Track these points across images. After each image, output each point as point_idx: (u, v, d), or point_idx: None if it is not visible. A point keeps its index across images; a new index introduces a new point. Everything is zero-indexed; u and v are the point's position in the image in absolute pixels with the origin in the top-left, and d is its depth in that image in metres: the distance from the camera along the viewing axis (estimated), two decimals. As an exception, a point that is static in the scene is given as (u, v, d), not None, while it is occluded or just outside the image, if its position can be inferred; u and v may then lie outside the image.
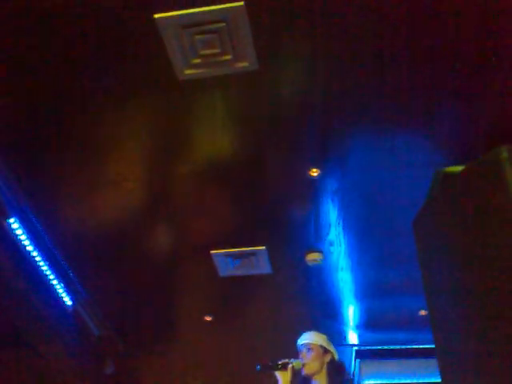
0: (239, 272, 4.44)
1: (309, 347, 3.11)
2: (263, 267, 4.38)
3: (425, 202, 2.95)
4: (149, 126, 3.23)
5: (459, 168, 2.46)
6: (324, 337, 3.16)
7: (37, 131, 3.27)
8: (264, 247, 4.18)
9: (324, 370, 3.04)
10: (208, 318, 5.17)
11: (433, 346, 2.83)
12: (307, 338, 3.16)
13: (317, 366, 3.04)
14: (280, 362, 3.04)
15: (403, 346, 5.53)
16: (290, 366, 3.03)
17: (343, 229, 4.01)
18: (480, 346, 2.21)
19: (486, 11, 2.50)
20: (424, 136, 3.23)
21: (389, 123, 3.15)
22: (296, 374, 3.04)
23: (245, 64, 2.77)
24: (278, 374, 3.03)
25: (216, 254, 4.24)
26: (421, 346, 5.37)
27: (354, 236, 4.12)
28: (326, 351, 3.09)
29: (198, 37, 2.63)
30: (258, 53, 2.72)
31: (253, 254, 4.23)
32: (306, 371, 3.05)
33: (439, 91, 2.94)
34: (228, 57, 2.74)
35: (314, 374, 3.05)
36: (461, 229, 2.41)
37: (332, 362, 3.08)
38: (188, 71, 2.79)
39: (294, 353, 3.21)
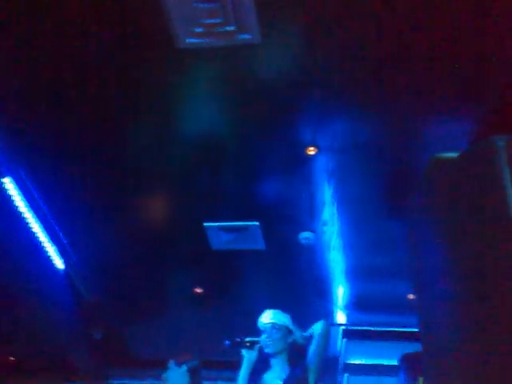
0: (232, 246, 4.45)
1: (275, 327, 3.12)
2: (256, 242, 4.40)
3: (418, 187, 2.94)
4: (147, 94, 3.20)
5: (454, 154, 2.44)
6: (288, 317, 3.18)
7: (35, 93, 3.24)
8: (257, 223, 4.19)
9: (286, 351, 3.08)
10: (198, 290, 5.21)
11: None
12: (273, 318, 3.17)
13: (281, 345, 3.08)
14: (247, 340, 3.10)
15: (390, 329, 5.58)
16: (257, 345, 3.08)
17: (337, 209, 4.01)
18: (462, 329, 2.22)
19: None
20: (423, 120, 3.21)
21: (389, 103, 3.12)
22: (261, 352, 3.09)
23: (247, 36, 2.73)
24: (245, 352, 3.08)
25: (209, 226, 4.25)
26: (407, 330, 5.42)
27: (348, 217, 4.13)
28: (289, 332, 3.12)
29: (200, 5, 2.59)
30: (261, 25, 2.68)
31: (246, 228, 4.24)
32: (269, 350, 3.10)
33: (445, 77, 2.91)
34: (231, 28, 2.70)
35: (276, 354, 3.10)
36: (452, 215, 2.41)
37: (294, 342, 3.11)
38: (189, 40, 2.76)
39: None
